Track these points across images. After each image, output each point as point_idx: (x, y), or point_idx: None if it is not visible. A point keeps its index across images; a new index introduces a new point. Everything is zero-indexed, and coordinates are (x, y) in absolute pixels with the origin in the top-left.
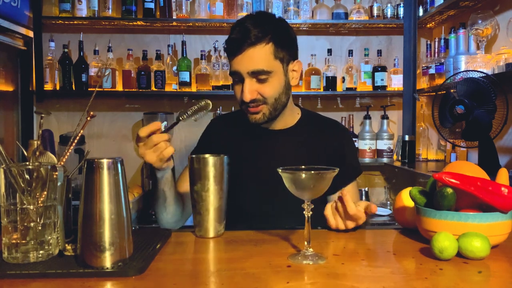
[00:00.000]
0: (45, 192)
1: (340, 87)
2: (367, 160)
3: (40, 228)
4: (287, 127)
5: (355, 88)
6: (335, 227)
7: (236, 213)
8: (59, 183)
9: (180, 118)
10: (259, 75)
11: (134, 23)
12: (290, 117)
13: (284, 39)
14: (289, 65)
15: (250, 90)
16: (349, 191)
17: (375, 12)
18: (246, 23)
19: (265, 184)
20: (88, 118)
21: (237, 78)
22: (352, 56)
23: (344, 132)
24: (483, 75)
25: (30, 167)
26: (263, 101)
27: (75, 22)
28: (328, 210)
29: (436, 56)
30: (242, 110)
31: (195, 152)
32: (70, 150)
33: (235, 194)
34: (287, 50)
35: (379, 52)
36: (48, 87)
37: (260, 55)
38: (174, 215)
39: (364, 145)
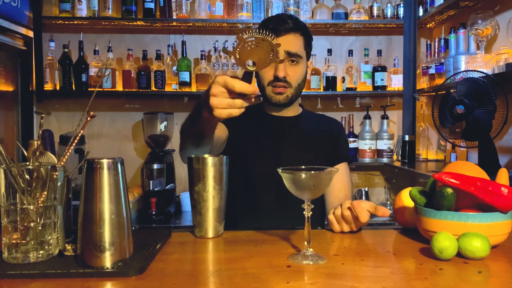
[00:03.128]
0: (45, 192)
1: (340, 87)
2: (367, 160)
3: (40, 228)
4: (293, 115)
5: (355, 88)
6: (339, 230)
7: (249, 192)
8: (59, 183)
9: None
10: (293, 57)
11: (134, 23)
12: (297, 108)
13: (309, 38)
14: (307, 61)
15: (284, 67)
16: (341, 173)
17: (375, 12)
18: (283, 16)
19: (278, 161)
20: (88, 118)
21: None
22: (352, 56)
23: (339, 125)
24: (483, 75)
25: (30, 167)
26: (290, 84)
27: (75, 22)
28: (332, 216)
29: (436, 56)
30: (264, 92)
31: None
32: (70, 150)
33: (247, 175)
34: (309, 48)
35: (379, 52)
36: (48, 87)
37: (296, 41)
38: (203, 153)
39: (364, 145)
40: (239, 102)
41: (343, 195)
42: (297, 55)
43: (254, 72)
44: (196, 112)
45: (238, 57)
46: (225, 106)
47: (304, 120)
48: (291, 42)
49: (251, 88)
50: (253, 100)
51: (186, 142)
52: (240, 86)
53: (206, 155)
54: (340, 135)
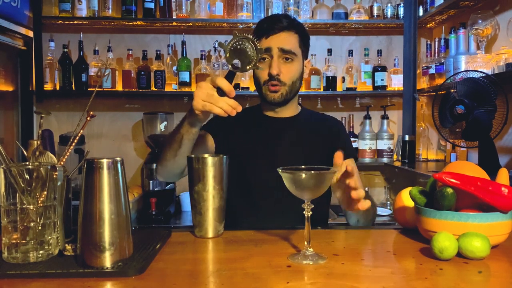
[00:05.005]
0: (45, 192)
1: (340, 87)
2: (367, 160)
3: (40, 228)
4: (291, 115)
5: (355, 88)
6: (356, 197)
7: (249, 193)
8: (59, 183)
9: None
10: (287, 54)
11: (134, 23)
12: (295, 108)
13: (305, 37)
14: (304, 60)
15: (278, 65)
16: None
17: (375, 12)
18: (278, 16)
19: (275, 163)
20: (88, 118)
21: (266, 55)
22: (352, 56)
23: (338, 123)
24: (483, 75)
25: (30, 167)
26: (283, 82)
27: (75, 22)
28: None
29: (436, 56)
30: (261, 91)
31: (205, 127)
32: (70, 150)
33: (246, 176)
34: (305, 47)
35: (379, 52)
36: (48, 87)
37: (290, 39)
38: (178, 167)
39: (364, 145)
40: (216, 97)
41: None
42: (290, 52)
43: (235, 73)
44: (182, 120)
45: (228, 54)
46: (204, 98)
47: (302, 119)
48: (284, 40)
49: (228, 87)
50: (232, 110)
51: (165, 151)
52: (220, 81)
53: (206, 155)
54: (340, 132)
